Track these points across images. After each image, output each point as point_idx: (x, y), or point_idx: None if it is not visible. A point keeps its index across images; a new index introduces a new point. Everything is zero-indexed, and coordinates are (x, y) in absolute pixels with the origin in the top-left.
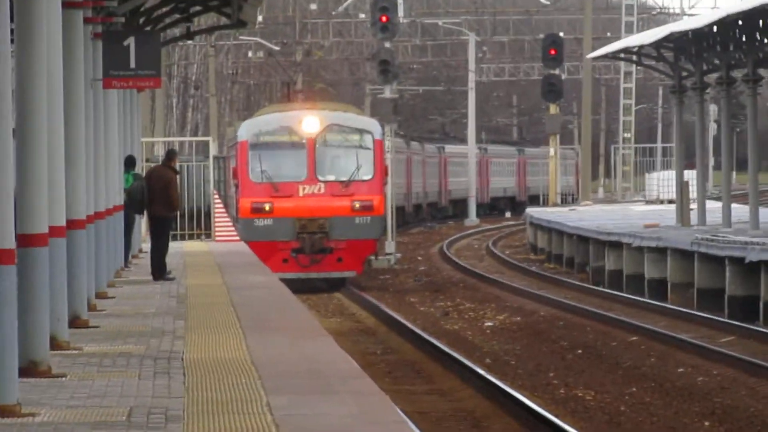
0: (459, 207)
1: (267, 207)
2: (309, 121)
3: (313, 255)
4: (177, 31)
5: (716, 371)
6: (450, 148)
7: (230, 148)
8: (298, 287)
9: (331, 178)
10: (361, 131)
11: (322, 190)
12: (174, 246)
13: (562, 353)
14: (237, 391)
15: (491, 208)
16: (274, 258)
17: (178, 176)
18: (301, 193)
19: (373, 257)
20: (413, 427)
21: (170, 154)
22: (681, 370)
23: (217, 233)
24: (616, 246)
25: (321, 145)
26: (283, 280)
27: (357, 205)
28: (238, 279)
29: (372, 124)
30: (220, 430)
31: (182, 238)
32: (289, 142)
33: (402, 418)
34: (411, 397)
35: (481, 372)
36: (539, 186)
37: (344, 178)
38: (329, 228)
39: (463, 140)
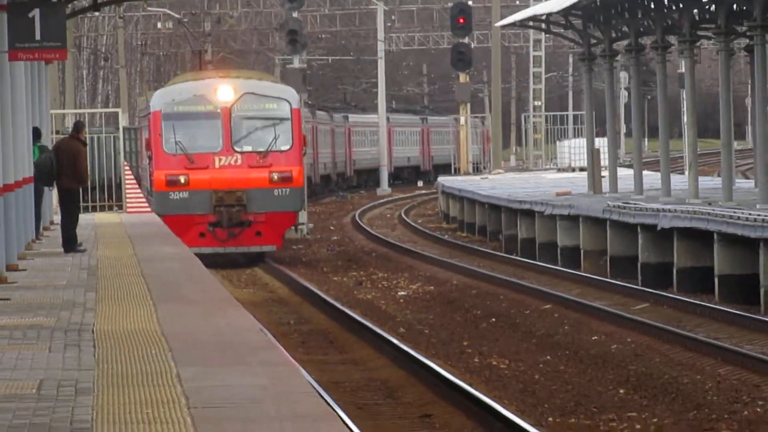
0: (363, 177)
1: (182, 179)
2: (223, 90)
3: (230, 229)
4: (84, 2)
5: (630, 339)
6: (354, 118)
7: (142, 118)
8: (215, 262)
9: (248, 148)
10: (277, 100)
11: (239, 162)
12: (85, 218)
13: (476, 322)
14: (147, 363)
15: (395, 177)
16: (191, 232)
17: (86, 148)
18: (217, 165)
19: None
20: (324, 396)
21: (78, 126)
22: (595, 338)
23: (128, 204)
24: (529, 214)
25: (237, 114)
26: (200, 255)
27: (275, 176)
28: (149, 250)
29: (289, 92)
30: (130, 402)
31: (94, 209)
32: (203, 111)
33: (311, 388)
34: (325, 366)
35: (395, 341)
36: (443, 155)
37: (262, 149)
38: (247, 201)
39: (365, 109)
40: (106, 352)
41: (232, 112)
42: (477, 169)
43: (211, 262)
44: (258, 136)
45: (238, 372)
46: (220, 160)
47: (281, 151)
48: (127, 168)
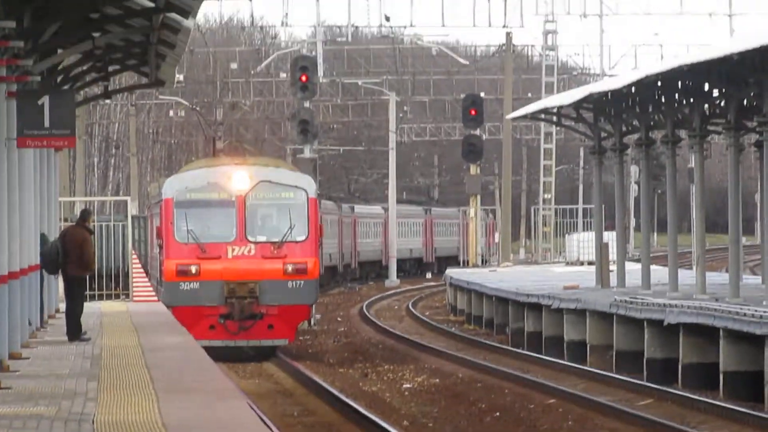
0: (366, 269)
1: (193, 269)
2: (238, 178)
3: (242, 321)
4: (96, 90)
5: None
6: (359, 209)
7: (154, 205)
8: (224, 356)
9: (262, 238)
10: (294, 188)
11: (253, 252)
12: (92, 306)
13: (480, 416)
14: None
15: (397, 269)
16: (201, 324)
17: (92, 236)
18: (230, 255)
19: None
20: None
21: (84, 214)
22: None
23: (135, 293)
24: (536, 307)
25: (251, 203)
26: (209, 348)
27: (290, 267)
28: (154, 340)
29: (306, 180)
30: None
31: (100, 298)
32: (217, 199)
33: None
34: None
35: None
36: (447, 247)
37: (276, 239)
38: (260, 292)
39: (368, 200)
40: None
41: (246, 200)
42: (483, 262)
43: (219, 355)
44: (273, 226)
45: None
46: (233, 250)
47: (296, 242)
48: (135, 256)
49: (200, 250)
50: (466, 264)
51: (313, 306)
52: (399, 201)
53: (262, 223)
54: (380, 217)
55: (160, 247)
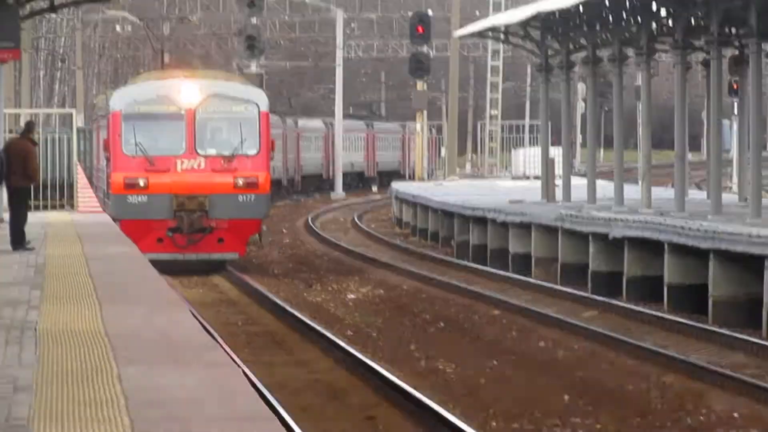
0: (306, 183)
1: (141, 182)
2: (188, 90)
3: (191, 235)
4: (42, 3)
5: (577, 345)
6: (302, 123)
7: (101, 117)
8: (172, 270)
9: (212, 152)
10: (245, 102)
11: (203, 166)
12: (36, 216)
13: (425, 326)
14: (89, 361)
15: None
16: (149, 237)
17: (37, 148)
18: (179, 168)
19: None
20: (269, 397)
21: (29, 126)
22: (542, 344)
23: (80, 204)
24: (481, 221)
25: (201, 116)
26: (157, 262)
27: (240, 181)
28: (98, 249)
29: (257, 94)
30: (69, 400)
31: (45, 208)
32: (166, 113)
33: (251, 390)
34: (270, 368)
35: (342, 343)
36: (388, 161)
37: (226, 153)
38: (209, 206)
39: (310, 115)
40: (47, 350)
41: (196, 113)
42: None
43: (167, 269)
44: (223, 140)
45: (178, 372)
46: (182, 163)
47: (247, 156)
48: (79, 168)
49: (148, 163)
50: (411, 178)
51: (263, 220)
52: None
53: (212, 137)
54: (321, 132)
55: (108, 159)
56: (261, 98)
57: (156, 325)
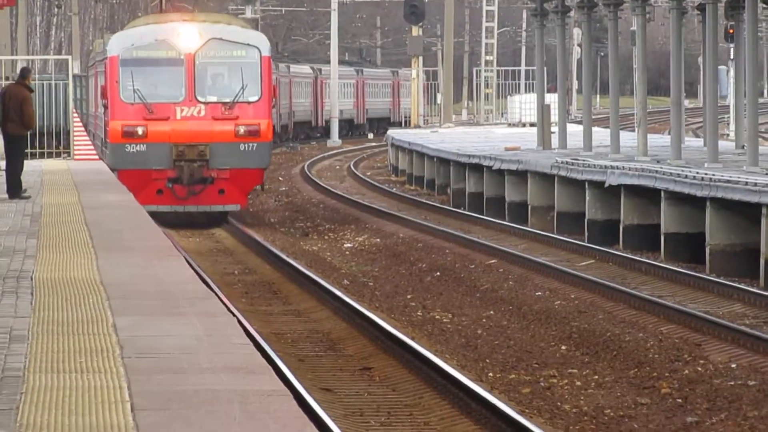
0: (298, 130)
1: (140, 131)
2: (188, 34)
3: (191, 186)
4: None
5: (574, 295)
6: (294, 69)
7: (98, 63)
8: (173, 221)
9: (213, 99)
10: (246, 46)
11: (203, 113)
12: (33, 164)
13: (421, 275)
14: (84, 311)
15: (326, 131)
16: (148, 188)
17: (32, 94)
18: (178, 116)
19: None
20: (265, 347)
21: (24, 73)
22: (539, 293)
23: (76, 152)
24: (477, 168)
25: (201, 61)
26: (156, 214)
27: (242, 129)
28: (94, 198)
29: (259, 38)
30: (64, 350)
31: (42, 156)
32: (165, 57)
33: (246, 340)
34: (267, 317)
35: (338, 293)
36: (378, 108)
37: (227, 100)
38: (210, 155)
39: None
40: (43, 299)
41: (196, 58)
42: (407, 123)
43: (167, 221)
44: (224, 86)
45: (173, 322)
46: (181, 110)
47: (249, 103)
48: (76, 115)
49: (147, 111)
50: (402, 125)
51: (265, 170)
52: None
53: (212, 83)
54: (309, 78)
55: (105, 107)
56: (262, 42)
57: (151, 274)
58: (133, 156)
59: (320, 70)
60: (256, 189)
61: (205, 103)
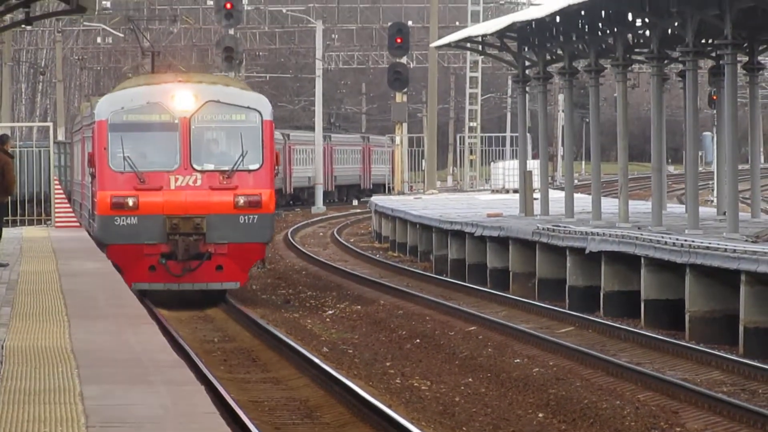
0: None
1: (131, 202)
2: (182, 96)
3: (186, 262)
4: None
5: (552, 362)
6: (294, 135)
7: (85, 128)
8: (164, 301)
9: (210, 167)
10: (246, 109)
11: (199, 182)
12: (13, 232)
13: (400, 342)
14: (53, 379)
15: (294, 198)
16: (140, 265)
17: (13, 161)
18: (172, 186)
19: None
20: (241, 415)
21: (3, 139)
22: (517, 360)
23: (57, 219)
24: (459, 235)
25: (197, 126)
26: (148, 293)
27: (242, 200)
28: (72, 266)
29: (260, 101)
30: (30, 419)
31: (22, 223)
32: (158, 122)
33: (213, 409)
34: (245, 385)
35: (317, 361)
36: (347, 175)
37: (226, 168)
38: (207, 228)
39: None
40: (12, 367)
41: (192, 123)
42: (387, 189)
43: (160, 300)
44: (222, 152)
45: (141, 391)
46: (176, 180)
47: (249, 171)
48: (57, 183)
49: (138, 180)
50: (387, 190)
51: (268, 245)
52: (300, 127)
53: (209, 150)
54: (279, 143)
55: (92, 176)
56: (263, 105)
57: (123, 342)
58: (124, 229)
59: (288, 135)
60: (256, 265)
61: (202, 172)
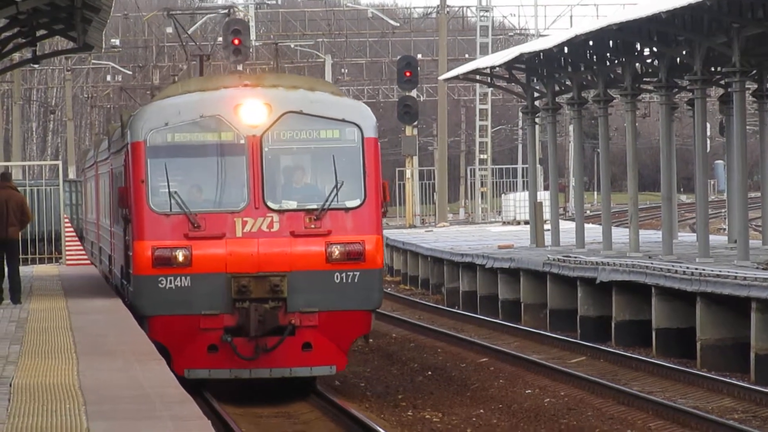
0: None
1: (181, 256)
2: (251, 107)
3: (261, 339)
4: (28, 55)
5: (564, 392)
6: None
7: (113, 155)
8: (227, 390)
9: (292, 205)
10: (341, 123)
11: (277, 227)
12: (24, 270)
13: (412, 375)
14: (59, 417)
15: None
16: (195, 344)
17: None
18: (239, 232)
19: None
20: None
21: (6, 176)
22: (529, 391)
23: (68, 257)
24: (470, 267)
25: (272, 147)
26: (207, 381)
27: (336, 251)
28: (82, 303)
29: (359, 110)
30: None
31: (33, 262)
32: (217, 143)
33: None
34: (257, 419)
35: (328, 395)
36: None
37: (314, 206)
38: (289, 292)
39: None
40: (20, 405)
41: (264, 144)
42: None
43: (216, 389)
44: (308, 185)
45: (148, 426)
46: (244, 224)
47: (347, 210)
48: (67, 220)
49: (191, 226)
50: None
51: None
52: None
53: (290, 181)
54: None
55: (125, 219)
56: (364, 116)
57: (131, 378)
58: (171, 295)
59: None
60: (357, 341)
61: (280, 212)
